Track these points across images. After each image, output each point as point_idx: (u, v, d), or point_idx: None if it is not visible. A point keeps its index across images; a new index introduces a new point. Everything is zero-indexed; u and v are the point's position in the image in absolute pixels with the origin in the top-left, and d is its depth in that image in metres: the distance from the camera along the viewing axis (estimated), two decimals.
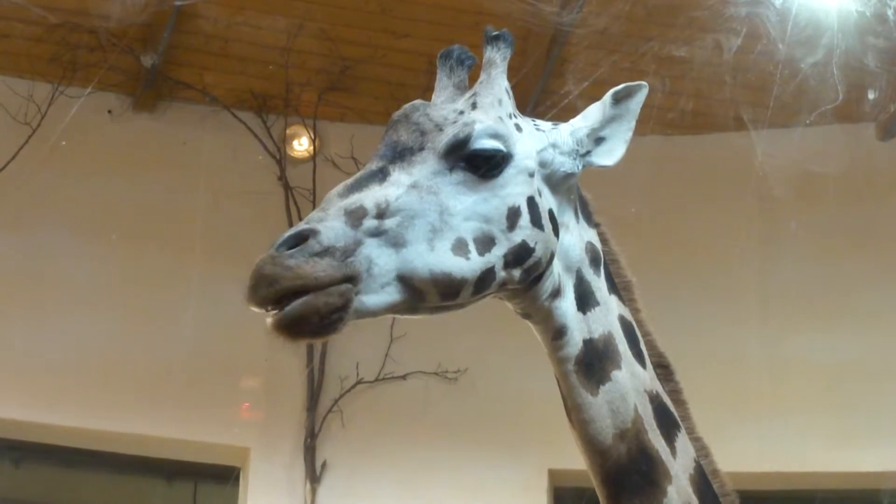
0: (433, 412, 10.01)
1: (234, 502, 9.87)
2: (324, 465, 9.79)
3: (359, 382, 9.96)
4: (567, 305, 3.10)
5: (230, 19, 9.55)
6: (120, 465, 9.93)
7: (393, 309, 2.86)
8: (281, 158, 10.40)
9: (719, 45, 7.04)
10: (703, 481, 3.18)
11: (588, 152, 3.16)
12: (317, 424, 9.86)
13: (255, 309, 2.75)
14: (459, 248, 2.87)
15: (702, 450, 3.24)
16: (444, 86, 3.18)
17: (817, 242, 9.87)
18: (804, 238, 9.67)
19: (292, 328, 2.73)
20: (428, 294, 2.86)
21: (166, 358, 9.75)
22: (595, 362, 3.09)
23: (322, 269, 2.71)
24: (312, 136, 10.47)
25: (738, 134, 8.90)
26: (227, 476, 9.88)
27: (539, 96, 9.49)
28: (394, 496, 9.83)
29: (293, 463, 9.79)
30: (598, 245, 3.22)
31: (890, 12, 6.97)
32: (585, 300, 3.13)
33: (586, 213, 3.23)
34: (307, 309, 2.70)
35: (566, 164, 3.13)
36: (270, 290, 2.70)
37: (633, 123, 3.19)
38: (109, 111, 10.28)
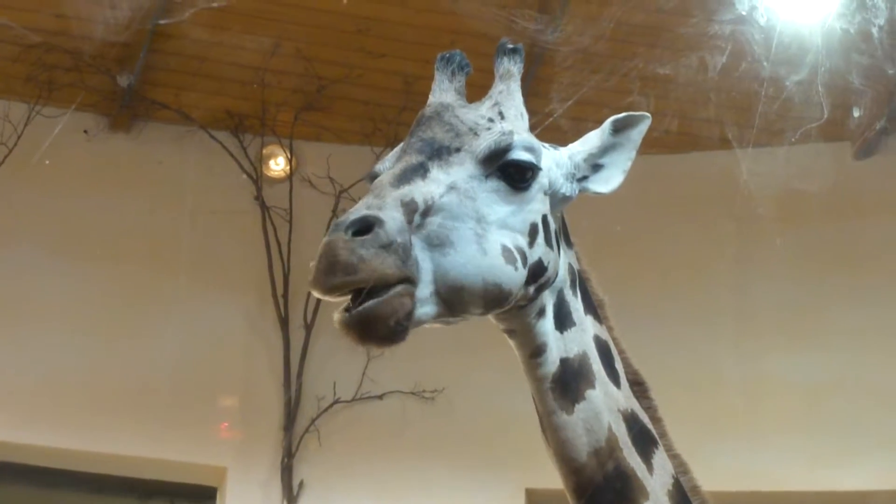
0: (410, 432, 10.00)
1: None
2: (301, 484, 9.76)
3: (336, 402, 9.94)
4: (548, 324, 3.11)
5: (206, 39, 9.52)
6: (96, 484, 9.89)
7: (436, 319, 2.82)
8: (257, 178, 10.39)
9: (703, 64, 7.04)
10: (682, 497, 3.19)
11: (584, 177, 3.19)
12: (294, 444, 9.83)
13: (320, 295, 2.67)
14: (507, 256, 2.86)
15: (680, 466, 3.25)
16: (445, 88, 3.15)
17: (795, 262, 9.90)
18: (782, 257, 9.70)
19: (366, 328, 2.67)
20: (471, 303, 2.83)
21: (143, 377, 9.72)
22: (571, 381, 3.10)
23: (390, 266, 2.65)
24: (289, 156, 10.46)
25: (721, 153, 8.91)
26: (203, 496, 9.86)
27: None
28: None
29: (270, 482, 9.76)
30: (576, 265, 3.23)
31: (874, 30, 6.98)
32: (563, 320, 3.14)
33: (566, 233, 3.23)
34: (385, 309, 2.65)
35: (566, 186, 3.14)
36: (347, 280, 2.62)
37: (634, 154, 3.22)
38: (85, 131, 10.25)
